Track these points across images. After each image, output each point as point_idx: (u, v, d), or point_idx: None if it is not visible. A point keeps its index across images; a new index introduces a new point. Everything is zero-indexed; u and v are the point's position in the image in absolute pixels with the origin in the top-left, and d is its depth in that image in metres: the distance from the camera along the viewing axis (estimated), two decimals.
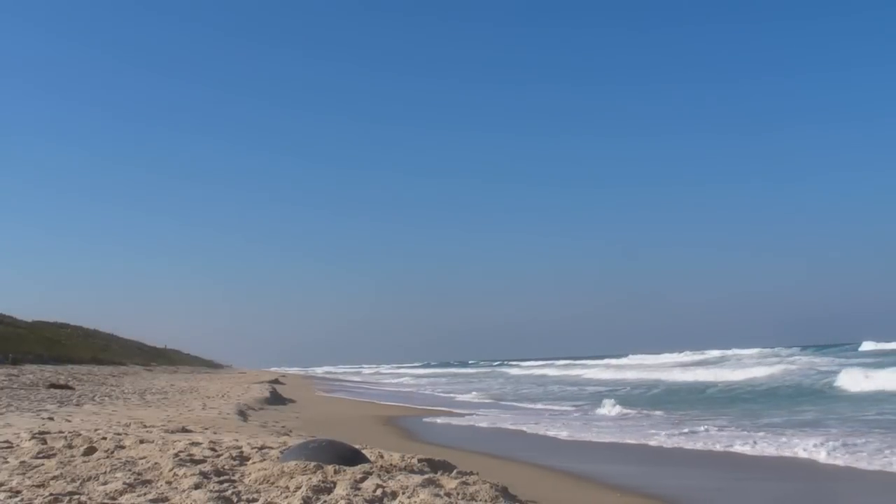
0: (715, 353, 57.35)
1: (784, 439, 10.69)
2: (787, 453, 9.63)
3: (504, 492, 4.89)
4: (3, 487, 4.49)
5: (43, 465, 5.35)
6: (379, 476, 4.95)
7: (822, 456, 9.16)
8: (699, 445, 10.77)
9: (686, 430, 12.38)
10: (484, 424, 14.74)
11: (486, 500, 4.53)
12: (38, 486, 4.53)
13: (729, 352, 56.27)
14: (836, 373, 23.12)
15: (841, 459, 8.91)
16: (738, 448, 10.26)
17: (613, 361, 57.13)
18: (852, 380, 21.40)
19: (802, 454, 9.42)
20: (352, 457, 5.46)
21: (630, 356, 66.19)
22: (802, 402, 18.70)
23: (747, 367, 32.19)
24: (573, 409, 19.44)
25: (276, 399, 20.51)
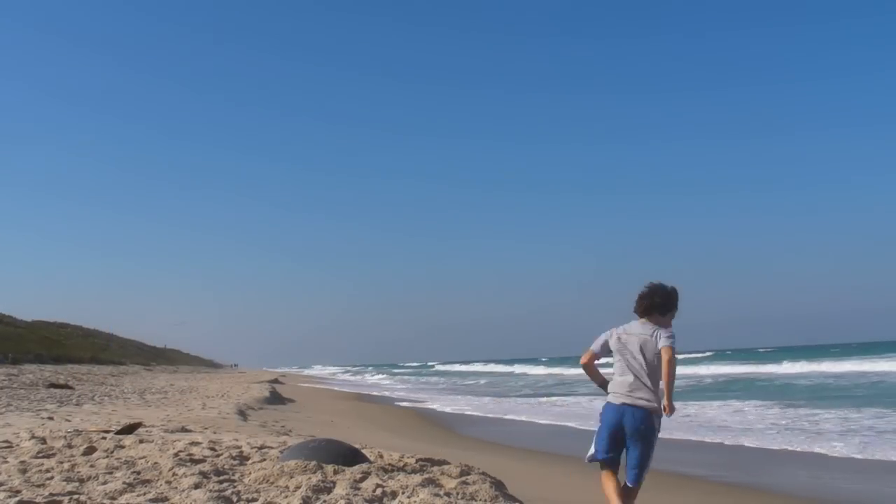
0: None
1: None
2: None
3: (503, 491, 4.89)
4: (3, 487, 4.48)
5: (43, 464, 5.34)
6: (378, 476, 4.94)
7: None
8: None
9: None
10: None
11: (485, 500, 4.53)
12: (38, 486, 4.53)
13: None
14: None
15: None
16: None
17: None
18: None
19: None
20: (351, 456, 5.45)
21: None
22: None
23: None
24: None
25: (275, 399, 20.50)
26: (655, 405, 4.68)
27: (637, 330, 4.81)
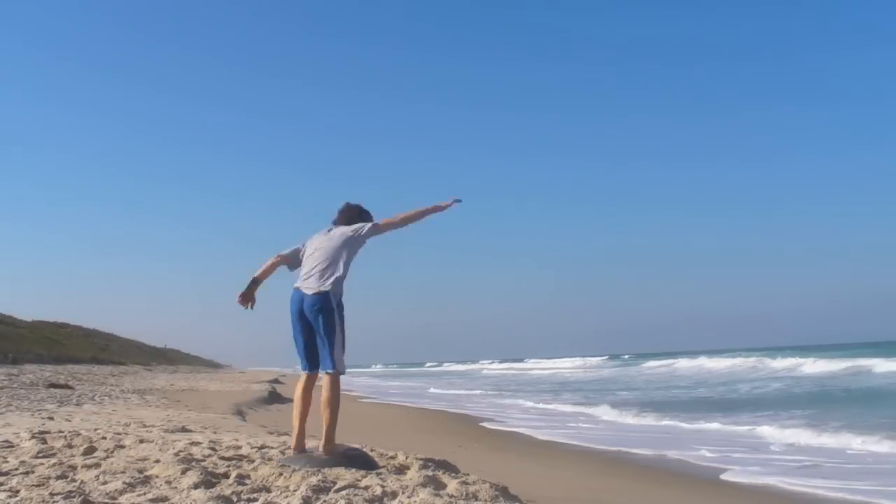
0: None
1: None
2: None
3: (504, 491, 4.89)
4: (3, 487, 4.48)
5: (43, 464, 5.34)
6: (378, 475, 4.95)
7: None
8: None
9: None
10: None
11: (486, 500, 4.53)
12: (38, 486, 4.53)
13: None
14: None
15: None
16: None
17: None
18: None
19: None
20: (351, 456, 5.46)
21: None
22: None
23: None
24: None
25: (275, 398, 20.50)
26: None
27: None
